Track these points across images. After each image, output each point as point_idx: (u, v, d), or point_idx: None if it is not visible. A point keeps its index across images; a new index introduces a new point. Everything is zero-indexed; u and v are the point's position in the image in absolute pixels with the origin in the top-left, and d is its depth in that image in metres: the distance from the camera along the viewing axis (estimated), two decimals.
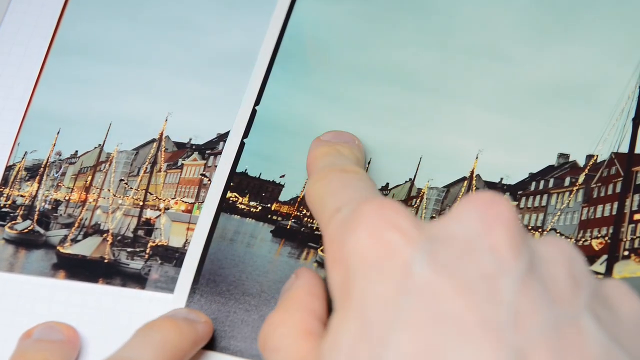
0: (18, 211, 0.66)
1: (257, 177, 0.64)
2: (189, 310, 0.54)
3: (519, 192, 0.67)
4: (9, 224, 0.64)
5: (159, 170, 0.69)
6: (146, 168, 0.69)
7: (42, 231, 0.65)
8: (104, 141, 0.68)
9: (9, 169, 0.66)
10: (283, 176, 0.64)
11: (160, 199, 0.68)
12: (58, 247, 0.63)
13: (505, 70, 0.66)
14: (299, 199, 0.63)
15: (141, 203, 0.67)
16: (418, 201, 0.65)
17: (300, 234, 0.61)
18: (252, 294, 0.56)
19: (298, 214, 0.63)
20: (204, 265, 0.58)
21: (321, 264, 0.59)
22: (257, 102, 0.65)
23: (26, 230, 0.64)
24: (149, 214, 0.67)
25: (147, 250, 0.62)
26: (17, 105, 0.69)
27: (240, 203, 0.62)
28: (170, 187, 0.69)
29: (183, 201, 0.68)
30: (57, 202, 0.67)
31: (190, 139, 0.71)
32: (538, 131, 0.64)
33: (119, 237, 0.64)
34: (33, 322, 0.55)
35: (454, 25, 0.67)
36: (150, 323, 0.49)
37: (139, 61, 0.71)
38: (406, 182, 0.66)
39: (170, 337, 0.47)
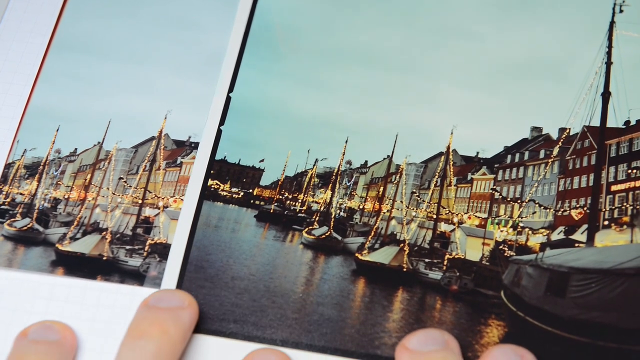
0: (17, 209, 0.66)
1: (236, 163, 0.64)
2: (172, 292, 0.53)
3: (496, 165, 0.70)
4: (8, 222, 0.64)
5: (158, 169, 0.69)
6: (145, 166, 0.69)
7: (41, 229, 0.65)
8: (103, 139, 0.68)
9: (8, 166, 0.66)
10: (262, 161, 0.65)
11: (160, 197, 0.68)
12: (57, 245, 0.63)
13: (475, 48, 0.68)
14: (279, 182, 0.64)
15: (140, 201, 0.67)
16: (398, 177, 0.67)
17: (284, 217, 0.62)
18: (240, 277, 0.57)
19: (280, 197, 0.63)
20: (190, 252, 0.58)
21: (307, 245, 0.60)
22: (231, 89, 0.65)
23: (25, 228, 0.64)
24: (148, 212, 0.67)
25: (146, 248, 0.62)
26: (16, 103, 0.68)
27: (222, 190, 0.63)
28: (169, 185, 0.69)
29: (182, 199, 0.68)
30: (56, 201, 0.67)
31: (190, 137, 0.71)
32: (510, 106, 0.66)
33: (117, 235, 0.64)
34: (32, 318, 0.55)
35: (420, 7, 0.69)
36: (137, 331, 0.48)
37: (139, 59, 0.71)
38: (384, 159, 0.67)
39: (163, 344, 0.47)
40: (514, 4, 0.69)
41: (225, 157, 0.63)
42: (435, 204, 0.67)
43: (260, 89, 0.64)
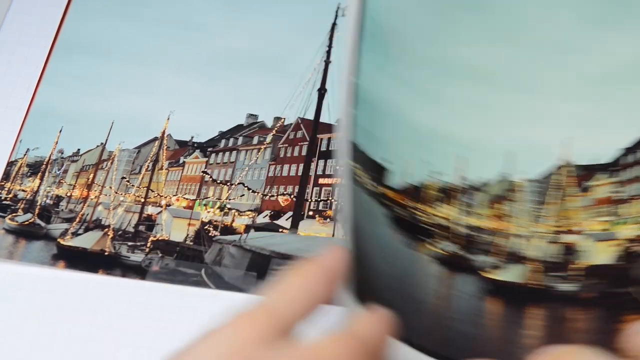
0: (19, 205, 0.65)
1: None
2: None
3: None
4: (10, 216, 0.64)
5: (161, 168, 0.69)
6: (148, 166, 0.69)
7: (42, 224, 0.64)
8: (106, 139, 0.68)
9: (10, 164, 0.66)
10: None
11: (162, 196, 0.67)
12: (59, 240, 0.62)
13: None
14: None
15: (142, 200, 0.67)
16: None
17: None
18: None
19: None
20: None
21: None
22: (358, 76, 0.65)
23: (27, 223, 0.64)
24: (150, 210, 0.66)
25: (148, 244, 0.62)
26: (20, 103, 0.69)
27: None
28: (171, 184, 0.69)
29: (185, 198, 0.68)
30: (58, 198, 0.67)
31: (192, 137, 0.71)
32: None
33: (120, 232, 0.63)
34: (32, 310, 0.54)
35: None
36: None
37: (142, 60, 0.71)
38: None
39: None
40: None
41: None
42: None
43: (378, 84, 0.67)
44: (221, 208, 0.67)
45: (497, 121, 0.60)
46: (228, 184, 0.70)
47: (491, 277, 0.57)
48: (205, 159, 0.72)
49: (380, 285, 0.55)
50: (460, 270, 0.60)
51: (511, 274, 0.54)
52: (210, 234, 0.64)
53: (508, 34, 0.62)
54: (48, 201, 0.66)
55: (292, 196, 0.66)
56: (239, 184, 0.69)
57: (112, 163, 0.68)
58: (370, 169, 0.61)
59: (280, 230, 0.65)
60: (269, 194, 0.67)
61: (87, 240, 0.62)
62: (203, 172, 0.71)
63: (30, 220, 0.64)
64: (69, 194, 0.67)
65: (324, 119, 0.69)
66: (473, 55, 0.61)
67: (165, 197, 0.67)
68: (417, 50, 0.64)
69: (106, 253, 0.61)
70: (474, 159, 0.60)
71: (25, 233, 0.63)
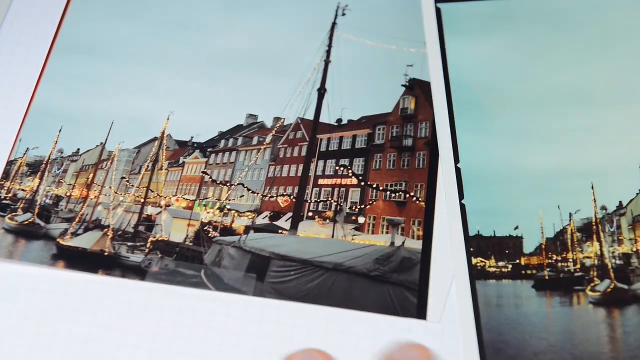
0: (19, 204, 0.65)
1: (492, 235, 0.60)
2: (414, 347, 0.51)
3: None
4: (9, 215, 0.64)
5: (161, 168, 0.69)
6: (147, 166, 0.69)
7: (42, 224, 0.64)
8: (106, 139, 0.68)
9: (10, 163, 0.66)
10: (517, 228, 0.60)
11: (162, 196, 0.67)
12: (58, 239, 0.62)
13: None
14: (542, 245, 0.60)
15: (142, 200, 0.67)
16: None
17: (562, 281, 0.60)
18: (542, 351, 0.54)
19: (550, 261, 0.60)
20: (482, 337, 0.54)
21: (596, 303, 0.57)
22: (457, 160, 0.61)
23: (26, 222, 0.64)
24: (149, 210, 0.66)
25: (148, 245, 0.62)
26: (20, 103, 0.69)
27: (489, 266, 0.60)
28: (171, 184, 0.69)
29: (184, 198, 0.68)
30: (58, 198, 0.67)
31: (192, 137, 0.71)
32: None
33: (119, 232, 0.63)
34: (32, 310, 0.54)
35: None
36: None
37: (141, 60, 0.71)
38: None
39: None
40: None
41: (478, 231, 0.59)
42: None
43: (480, 151, 0.61)
44: (221, 209, 0.67)
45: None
46: (227, 184, 0.70)
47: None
48: (205, 159, 0.72)
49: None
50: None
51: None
52: (209, 234, 0.64)
53: (604, 51, 0.61)
54: (47, 201, 0.66)
55: (291, 197, 0.66)
56: (238, 184, 0.69)
57: (111, 163, 0.68)
58: (499, 251, 0.61)
59: (279, 231, 0.65)
60: (269, 195, 0.67)
61: (87, 240, 0.62)
62: (203, 172, 0.71)
63: (29, 220, 0.64)
64: (68, 194, 0.67)
65: (323, 119, 0.69)
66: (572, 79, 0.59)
67: (165, 198, 0.67)
68: (514, 93, 0.63)
69: (106, 253, 0.61)
70: (605, 184, 0.60)
71: (25, 232, 0.63)
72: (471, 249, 0.57)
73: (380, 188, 0.66)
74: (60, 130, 0.68)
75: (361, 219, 0.65)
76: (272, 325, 0.55)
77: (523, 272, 0.60)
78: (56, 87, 0.69)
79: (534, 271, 0.60)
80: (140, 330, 0.54)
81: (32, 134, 0.67)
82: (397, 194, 0.65)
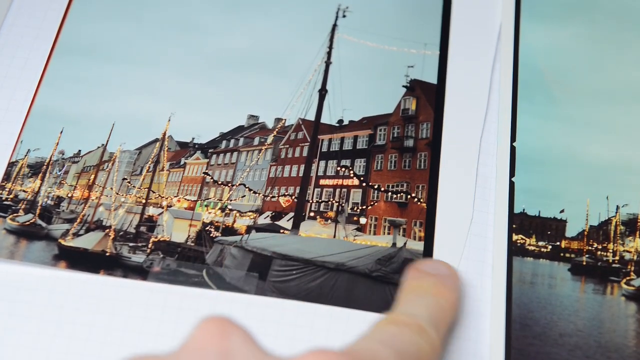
0: (20, 205, 0.65)
1: (536, 215, 0.61)
2: (439, 262, 0.53)
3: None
4: (11, 216, 0.64)
5: (162, 169, 0.70)
6: (149, 167, 0.69)
7: (43, 224, 0.64)
8: (107, 141, 0.68)
9: (11, 165, 0.66)
10: (562, 211, 0.61)
11: (163, 197, 0.67)
12: (60, 240, 0.62)
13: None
14: (585, 232, 0.61)
15: (144, 201, 0.67)
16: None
17: (599, 269, 0.60)
18: (568, 333, 0.55)
19: (590, 248, 0.61)
20: (511, 311, 0.55)
21: (629, 297, 0.58)
22: (513, 139, 0.62)
23: (28, 223, 0.64)
24: (151, 211, 0.66)
25: (149, 245, 0.62)
26: (21, 105, 0.69)
27: (529, 245, 0.60)
28: (173, 185, 0.69)
29: (186, 199, 0.68)
30: (59, 199, 0.67)
31: (193, 138, 0.71)
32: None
33: (121, 233, 0.63)
34: (33, 310, 0.54)
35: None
36: (423, 286, 0.48)
37: (143, 62, 0.71)
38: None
39: (441, 304, 0.47)
40: None
41: (524, 209, 0.60)
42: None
43: (540, 135, 0.62)
44: (222, 209, 0.67)
45: None
46: (229, 185, 0.70)
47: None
48: (206, 160, 0.72)
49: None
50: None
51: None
52: (211, 234, 0.64)
53: None
54: (49, 202, 0.66)
55: (293, 197, 0.66)
56: (240, 184, 0.69)
57: (113, 164, 0.68)
58: (541, 231, 0.62)
59: (281, 231, 0.65)
60: (270, 195, 0.67)
61: (88, 241, 0.62)
62: (204, 173, 0.72)
63: (31, 221, 0.64)
64: (70, 195, 0.67)
65: (324, 119, 0.69)
66: None
67: (167, 198, 0.67)
68: (584, 83, 0.64)
69: (107, 254, 0.61)
70: None
71: (27, 233, 0.63)
72: (514, 226, 0.58)
73: (382, 189, 0.66)
74: (61, 132, 0.69)
75: (363, 220, 0.65)
76: (274, 324, 0.55)
77: (562, 254, 0.61)
78: (57, 89, 0.70)
79: (572, 255, 0.61)
80: (143, 329, 0.54)
81: (33, 135, 0.67)
82: (398, 194, 0.65)
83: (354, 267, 0.59)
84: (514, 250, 0.58)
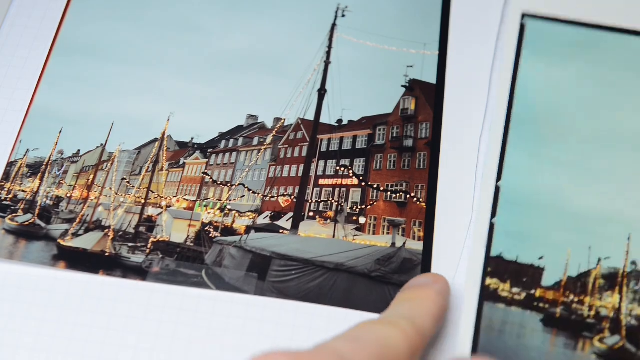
0: (19, 205, 0.65)
1: (514, 260, 0.58)
2: (425, 275, 0.54)
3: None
4: (10, 216, 0.64)
5: (161, 169, 0.69)
6: (148, 167, 0.69)
7: (43, 224, 0.64)
8: (106, 141, 0.68)
9: (10, 165, 0.66)
10: (541, 258, 0.58)
11: (162, 197, 0.67)
12: (59, 240, 0.62)
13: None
14: (562, 283, 0.58)
15: (143, 201, 0.67)
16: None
17: (573, 323, 0.57)
18: None
19: (565, 300, 0.58)
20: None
21: (600, 355, 0.55)
22: (499, 178, 0.59)
23: (27, 223, 0.64)
24: (150, 211, 0.66)
25: (149, 245, 0.62)
26: (20, 105, 0.69)
27: (502, 290, 0.58)
28: (172, 185, 0.69)
29: (185, 199, 0.68)
30: (58, 199, 0.67)
31: (192, 138, 0.71)
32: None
33: (120, 233, 0.63)
34: (33, 310, 0.54)
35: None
36: (402, 296, 0.50)
37: (141, 62, 0.71)
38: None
39: (418, 302, 0.48)
40: None
41: (501, 253, 0.57)
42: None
43: (527, 175, 0.59)
44: (221, 209, 0.67)
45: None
46: (228, 185, 0.70)
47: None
48: (206, 160, 0.72)
49: None
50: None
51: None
52: (210, 235, 0.64)
53: None
54: (48, 202, 0.66)
55: (292, 197, 0.66)
56: (239, 184, 0.69)
57: (112, 164, 0.68)
58: (517, 278, 0.59)
59: (280, 231, 0.65)
60: (269, 195, 0.67)
61: (88, 241, 0.62)
62: (203, 173, 0.72)
63: (30, 221, 0.64)
64: (69, 195, 0.67)
65: (324, 119, 0.69)
66: None
67: (166, 198, 0.67)
68: (580, 127, 0.61)
69: (107, 254, 0.61)
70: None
71: (26, 233, 0.63)
72: (489, 269, 0.56)
73: (381, 188, 0.66)
74: (60, 132, 0.69)
75: (362, 220, 0.65)
76: (273, 324, 0.55)
77: (535, 304, 0.58)
78: (56, 89, 0.70)
79: (546, 305, 0.58)
80: (142, 330, 0.54)
81: (32, 135, 0.67)
82: (398, 194, 0.65)
83: (353, 267, 0.59)
84: (486, 295, 0.56)
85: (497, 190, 0.58)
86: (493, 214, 0.58)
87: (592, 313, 0.59)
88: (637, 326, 0.57)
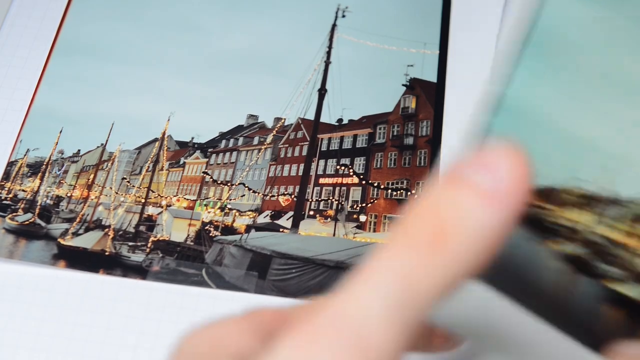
0: (19, 204, 0.65)
1: None
2: None
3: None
4: (10, 215, 0.64)
5: (161, 169, 0.69)
6: (148, 167, 0.69)
7: (43, 224, 0.64)
8: (107, 140, 0.68)
9: (10, 164, 0.66)
10: None
11: (162, 196, 0.67)
12: (59, 239, 0.62)
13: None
14: None
15: (143, 200, 0.67)
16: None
17: None
18: None
19: None
20: None
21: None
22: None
23: (27, 222, 0.64)
24: (150, 210, 0.66)
25: (149, 245, 0.62)
26: (20, 105, 0.69)
27: None
28: (172, 184, 0.69)
29: (185, 198, 0.68)
30: (58, 198, 0.67)
31: (192, 138, 0.71)
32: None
33: (120, 232, 0.63)
34: (33, 309, 0.54)
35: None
36: None
37: (142, 62, 0.71)
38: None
39: None
40: None
41: None
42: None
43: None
44: (222, 208, 0.67)
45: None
46: (229, 184, 0.70)
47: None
48: (206, 160, 0.72)
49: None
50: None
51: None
52: (210, 234, 0.64)
53: None
54: (48, 201, 0.66)
55: (292, 196, 0.66)
56: (239, 184, 0.69)
57: (112, 164, 0.68)
58: None
59: (281, 230, 0.65)
60: (270, 194, 0.67)
61: (88, 240, 0.62)
62: (203, 172, 0.72)
63: (30, 220, 0.64)
64: (69, 194, 0.67)
65: (324, 119, 0.69)
66: None
67: (166, 198, 0.67)
68: (589, 64, 0.61)
69: (107, 253, 0.61)
70: (622, 174, 0.58)
71: (26, 233, 0.63)
72: None
73: (382, 186, 0.66)
74: (60, 132, 0.69)
75: (362, 218, 0.65)
76: None
77: None
78: (57, 89, 0.70)
79: None
80: (142, 329, 0.54)
81: (32, 135, 0.67)
82: (398, 192, 0.65)
83: (354, 265, 0.58)
84: None
85: (502, 95, 0.60)
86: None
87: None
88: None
